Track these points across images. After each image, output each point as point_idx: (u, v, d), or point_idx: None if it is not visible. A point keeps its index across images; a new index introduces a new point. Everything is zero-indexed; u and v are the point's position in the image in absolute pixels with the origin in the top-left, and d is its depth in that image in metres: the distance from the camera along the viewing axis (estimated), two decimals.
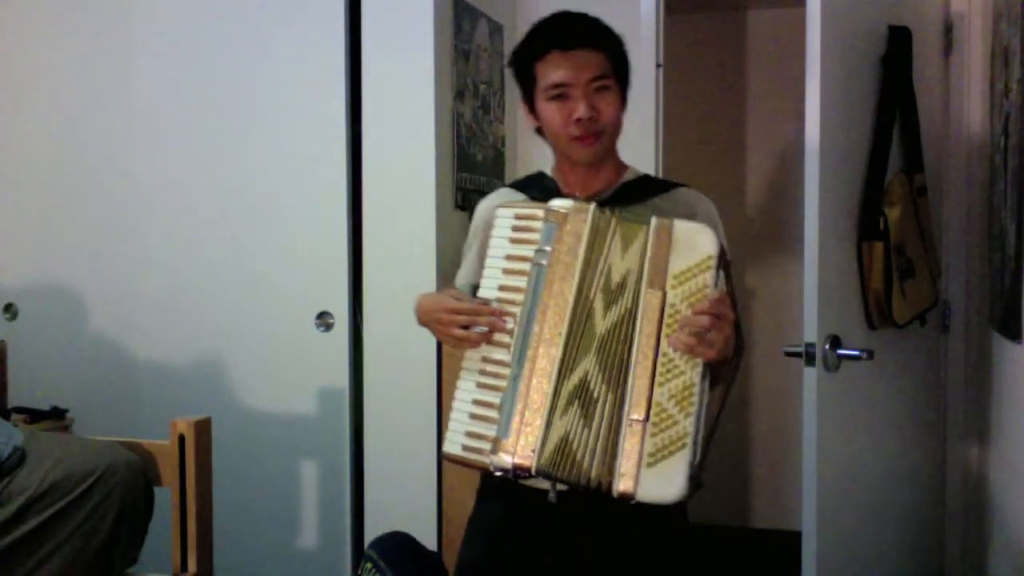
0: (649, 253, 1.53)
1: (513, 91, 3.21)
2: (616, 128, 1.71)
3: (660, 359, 1.50)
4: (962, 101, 2.76)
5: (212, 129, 2.87)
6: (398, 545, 1.75)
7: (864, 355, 2.20)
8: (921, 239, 2.48)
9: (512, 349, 1.56)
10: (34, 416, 2.76)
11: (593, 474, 1.49)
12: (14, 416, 2.73)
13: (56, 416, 2.81)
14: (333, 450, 2.80)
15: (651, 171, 2.88)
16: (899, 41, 2.40)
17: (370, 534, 2.65)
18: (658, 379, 1.50)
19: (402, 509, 2.64)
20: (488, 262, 1.62)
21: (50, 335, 3.03)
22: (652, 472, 1.49)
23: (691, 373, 1.50)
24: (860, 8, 2.34)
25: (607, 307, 1.54)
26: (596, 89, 1.65)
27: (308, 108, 2.78)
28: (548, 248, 1.57)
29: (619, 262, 1.54)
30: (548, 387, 1.53)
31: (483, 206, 1.85)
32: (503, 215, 1.63)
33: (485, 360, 1.58)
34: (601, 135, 1.67)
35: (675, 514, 1.73)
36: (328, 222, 2.77)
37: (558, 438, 1.51)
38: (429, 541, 2.00)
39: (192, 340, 2.90)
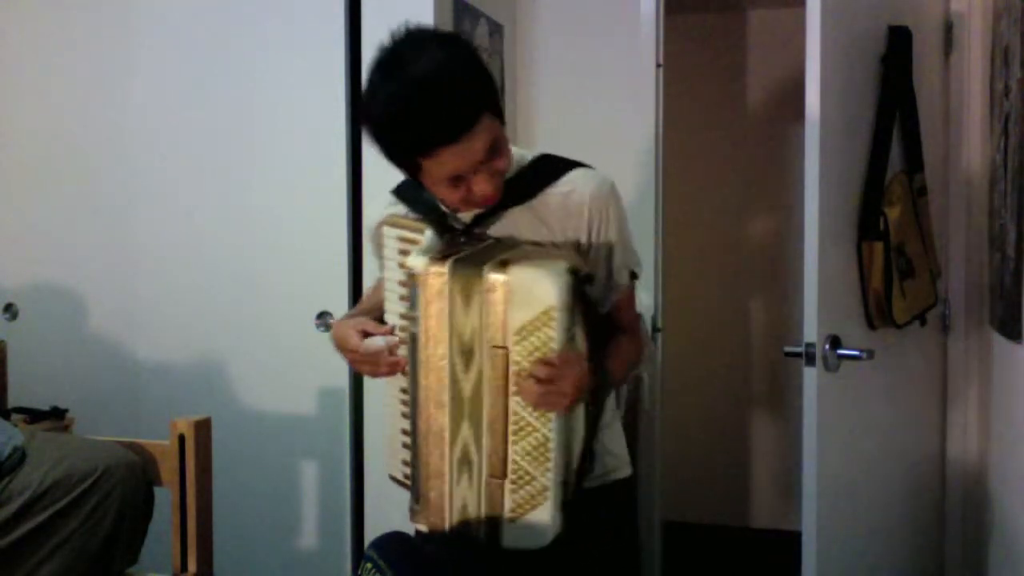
0: (486, 309, 1.44)
1: (513, 91, 3.22)
2: (510, 165, 1.56)
3: (511, 418, 1.46)
4: (962, 101, 2.76)
5: (212, 129, 2.87)
6: (398, 545, 1.75)
7: (864, 355, 2.20)
8: (921, 239, 2.48)
9: (411, 395, 1.54)
10: (34, 416, 2.76)
11: (474, 531, 1.52)
12: (14, 416, 2.72)
13: (56, 416, 2.81)
14: (333, 450, 2.80)
15: (651, 171, 2.89)
16: (899, 41, 2.40)
17: (370, 534, 2.65)
18: (511, 438, 1.47)
19: (402, 509, 2.63)
20: (387, 285, 1.59)
21: (50, 335, 3.03)
22: (514, 526, 1.50)
23: (543, 430, 1.46)
24: (860, 8, 2.34)
25: (466, 369, 1.48)
26: (492, 158, 1.48)
27: (308, 108, 2.78)
28: (416, 314, 1.50)
29: (467, 320, 1.46)
30: (443, 455, 1.52)
31: (373, 217, 1.75)
32: (388, 235, 1.58)
33: (402, 391, 1.58)
34: (500, 187, 1.53)
35: (614, 518, 1.72)
36: (328, 222, 2.77)
37: (460, 505, 1.53)
38: None
39: (192, 340, 2.90)
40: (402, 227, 1.58)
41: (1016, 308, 2.09)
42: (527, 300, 1.42)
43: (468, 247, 1.53)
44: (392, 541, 1.67)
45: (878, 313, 2.36)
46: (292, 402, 2.82)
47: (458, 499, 1.53)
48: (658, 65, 2.93)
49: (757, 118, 4.14)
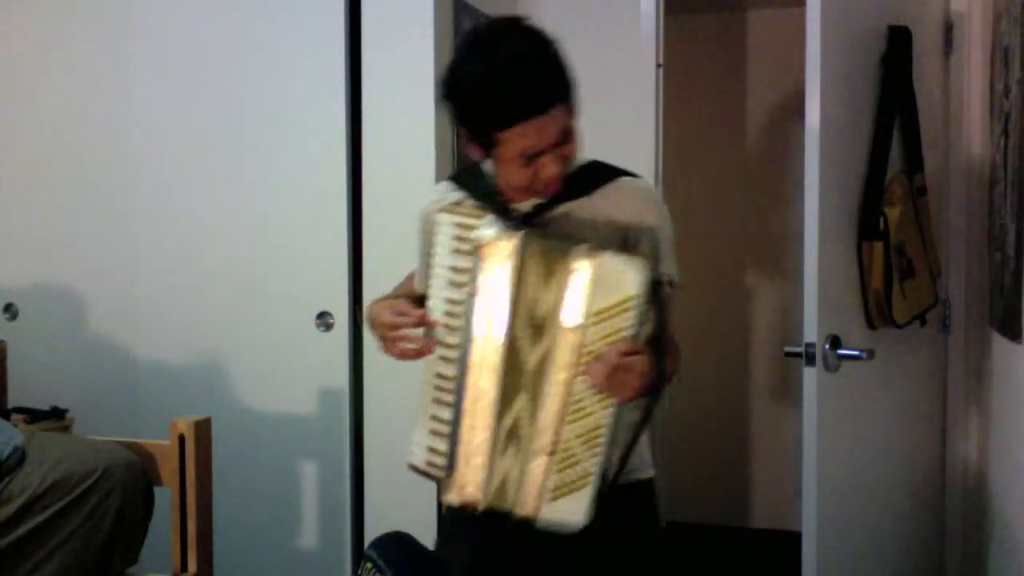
0: (571, 289, 1.49)
1: None
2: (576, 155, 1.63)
3: (571, 398, 1.50)
4: (962, 101, 2.76)
5: (212, 129, 2.87)
6: (398, 545, 1.75)
7: (864, 355, 2.20)
8: (921, 239, 2.48)
9: (455, 374, 1.56)
10: (34, 416, 2.76)
11: (510, 504, 1.54)
12: (14, 416, 2.73)
13: (56, 416, 2.81)
14: (333, 450, 2.80)
15: (651, 171, 2.89)
16: (899, 41, 2.40)
17: (370, 534, 2.65)
18: (568, 418, 1.50)
19: (402, 509, 2.64)
20: (434, 271, 1.60)
21: (50, 335, 3.04)
22: (554, 505, 1.52)
23: (600, 415, 1.50)
24: (860, 8, 2.34)
25: (533, 343, 1.52)
26: (562, 144, 1.55)
27: (308, 108, 2.78)
28: (477, 282, 1.54)
29: (544, 296, 1.50)
30: (487, 426, 1.54)
31: (427, 203, 1.77)
32: (443, 222, 1.59)
33: (438, 376, 1.59)
34: (563, 176, 1.59)
35: (640, 517, 1.73)
36: (328, 222, 2.77)
37: (500, 478, 1.54)
38: (429, 541, 2.01)
39: (192, 340, 2.90)
40: (460, 214, 1.60)
41: (1016, 308, 2.09)
42: (610, 285, 1.47)
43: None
44: (392, 541, 1.68)
45: (878, 313, 2.36)
46: (292, 402, 2.82)
47: (499, 472, 1.55)
48: (658, 65, 2.93)
49: (757, 118, 4.14)
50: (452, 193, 1.72)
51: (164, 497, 2.14)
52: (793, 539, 2.39)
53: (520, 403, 1.53)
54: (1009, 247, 2.17)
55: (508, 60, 1.51)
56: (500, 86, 1.49)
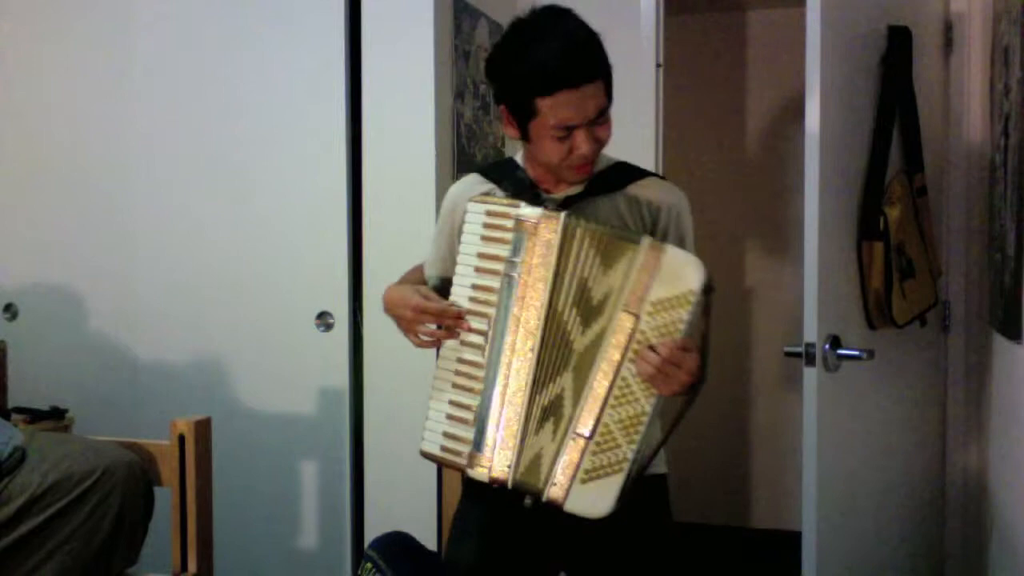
0: (633, 275, 1.50)
1: None
2: (607, 143, 1.66)
3: (618, 382, 1.51)
4: (962, 101, 2.76)
5: (212, 129, 2.87)
6: (398, 545, 1.75)
7: (864, 355, 2.20)
8: (921, 239, 2.48)
9: (486, 357, 1.57)
10: (34, 416, 2.76)
11: (541, 483, 1.54)
12: (14, 416, 2.73)
13: (56, 416, 2.81)
14: (333, 450, 2.80)
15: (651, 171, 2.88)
16: (899, 41, 2.40)
17: (370, 534, 2.65)
18: (611, 402, 1.52)
19: (402, 509, 2.64)
20: (460, 259, 1.61)
21: (50, 335, 3.03)
22: (584, 488, 1.53)
23: (644, 403, 1.51)
24: (860, 8, 2.34)
25: (586, 324, 1.53)
26: (597, 121, 1.59)
27: (308, 108, 2.78)
28: (518, 260, 1.55)
29: (602, 278, 1.52)
30: (522, 403, 1.55)
31: (454, 191, 1.80)
32: (474, 210, 1.61)
33: (460, 361, 1.59)
34: (594, 160, 1.63)
35: (657, 509, 1.73)
36: (328, 222, 2.77)
37: (533, 455, 1.55)
38: (429, 541, 2.00)
39: (192, 340, 2.90)
40: (492, 203, 1.62)
41: (1016, 308, 2.09)
42: (673, 277, 1.49)
43: None
44: (392, 541, 1.68)
45: (878, 313, 2.36)
46: (292, 402, 2.82)
47: (532, 448, 1.55)
48: (658, 65, 2.93)
49: (757, 118, 4.14)
50: (481, 184, 1.74)
51: (164, 497, 2.14)
52: (793, 539, 2.39)
53: (563, 381, 1.54)
54: (1009, 247, 2.17)
55: (558, 29, 1.58)
56: (551, 49, 1.54)
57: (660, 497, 1.76)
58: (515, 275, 1.55)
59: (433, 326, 1.61)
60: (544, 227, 1.55)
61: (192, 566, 2.11)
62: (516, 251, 1.55)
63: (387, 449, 2.71)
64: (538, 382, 1.54)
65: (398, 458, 2.68)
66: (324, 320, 2.78)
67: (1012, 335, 2.16)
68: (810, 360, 2.15)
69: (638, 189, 1.69)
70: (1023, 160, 2.05)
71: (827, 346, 2.17)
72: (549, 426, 1.55)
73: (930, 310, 2.54)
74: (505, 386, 1.56)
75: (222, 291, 2.87)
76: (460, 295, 1.60)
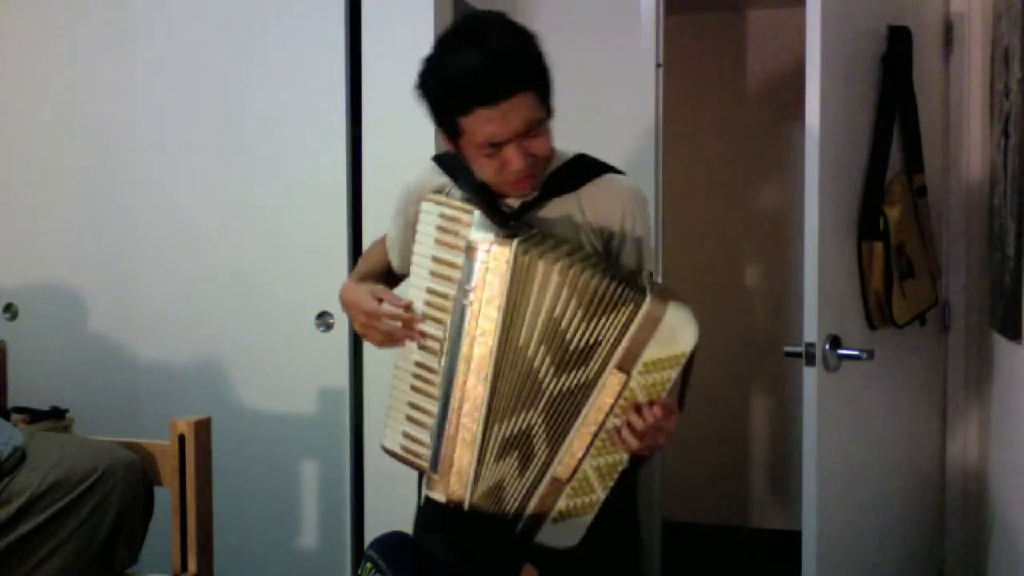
0: (631, 332, 1.46)
1: None
2: (550, 155, 1.59)
3: (601, 434, 1.51)
4: (962, 101, 2.76)
5: (212, 129, 2.87)
6: (398, 545, 1.75)
7: (864, 355, 2.20)
8: (921, 239, 2.48)
9: (440, 367, 1.56)
10: (34, 416, 2.76)
11: (510, 514, 1.57)
12: (14, 416, 2.73)
13: (56, 416, 2.81)
14: (333, 450, 2.80)
15: (651, 171, 2.88)
16: (899, 41, 2.40)
17: (370, 534, 2.65)
18: (592, 452, 1.52)
19: (402, 509, 2.63)
20: (415, 259, 1.60)
21: (50, 335, 3.03)
22: (555, 526, 1.56)
23: (624, 455, 1.53)
24: (860, 8, 2.33)
25: (561, 367, 1.49)
26: (527, 138, 1.51)
27: (308, 108, 2.78)
28: (469, 287, 1.50)
29: (584, 324, 1.46)
30: (478, 427, 1.54)
31: (410, 183, 1.76)
32: (428, 210, 1.58)
33: (417, 364, 1.60)
34: (535, 176, 1.57)
35: (622, 501, 1.74)
36: (328, 222, 2.77)
37: (493, 483, 1.56)
38: None
39: (192, 340, 2.90)
40: (447, 205, 1.58)
41: (1016, 308, 2.09)
42: (670, 338, 1.46)
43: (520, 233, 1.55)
44: (392, 541, 1.67)
45: (878, 313, 2.36)
46: (292, 402, 2.82)
47: (492, 475, 1.56)
48: (658, 65, 2.93)
49: (757, 118, 4.14)
50: (436, 176, 1.71)
51: (164, 497, 2.14)
52: (793, 539, 2.39)
53: (530, 418, 1.52)
54: (1009, 247, 2.17)
55: (475, 41, 1.48)
56: (459, 67, 1.47)
57: (627, 489, 1.75)
58: (467, 303, 1.51)
59: (396, 324, 1.60)
60: (495, 255, 1.48)
61: (192, 566, 2.11)
62: (468, 278, 1.50)
63: None
64: (495, 411, 1.53)
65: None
66: (324, 320, 2.78)
67: (1012, 335, 2.16)
68: (810, 360, 2.14)
69: (595, 190, 1.65)
70: (1023, 160, 2.05)
71: (827, 346, 2.17)
72: (513, 460, 1.54)
73: (930, 310, 2.54)
74: (460, 404, 1.54)
75: (222, 291, 2.87)
76: (416, 296, 1.59)
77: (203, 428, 2.13)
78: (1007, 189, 2.21)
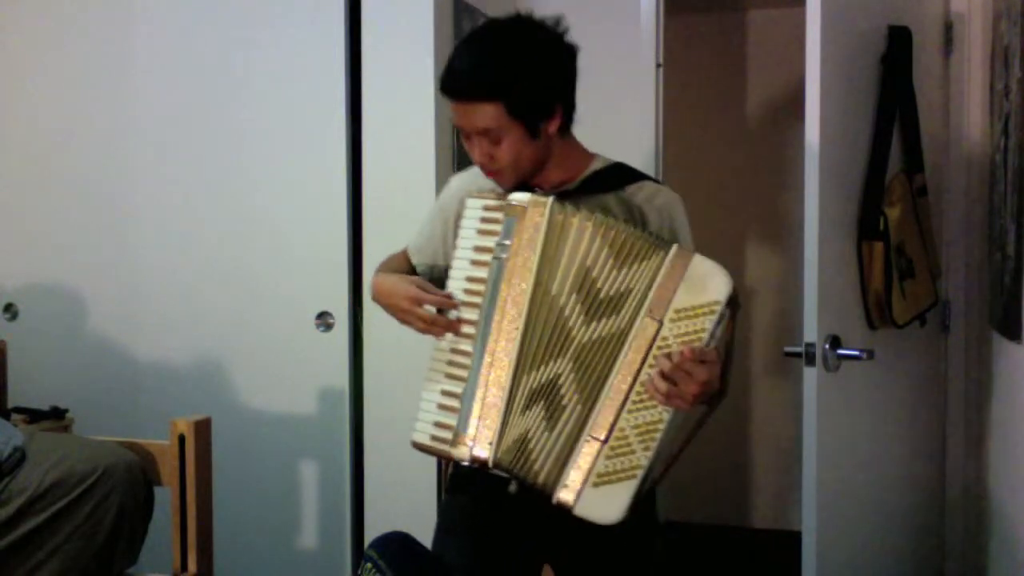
0: (659, 279, 1.49)
1: None
2: (522, 162, 1.66)
3: (636, 387, 1.50)
4: (962, 101, 2.76)
5: (212, 129, 2.87)
6: (398, 545, 1.75)
7: (864, 355, 2.19)
8: (921, 239, 2.48)
9: (475, 344, 1.57)
10: (34, 416, 2.76)
11: (542, 477, 1.53)
12: (14, 416, 2.73)
13: (56, 416, 2.81)
14: (333, 450, 2.80)
15: (651, 171, 2.89)
16: (899, 41, 2.40)
17: (370, 534, 2.65)
18: (628, 406, 1.50)
19: (402, 509, 2.64)
20: (457, 252, 1.63)
21: (50, 335, 3.03)
22: (596, 492, 1.51)
23: (662, 410, 1.50)
24: (860, 8, 2.34)
25: (591, 316, 1.52)
26: (488, 140, 1.62)
27: (308, 108, 2.78)
28: (508, 242, 1.57)
29: (613, 274, 1.51)
30: (505, 381, 1.54)
31: (455, 183, 1.85)
32: (472, 206, 1.64)
33: (454, 351, 1.60)
34: (503, 173, 1.67)
35: (643, 506, 1.74)
36: (328, 222, 2.77)
37: (517, 435, 1.54)
38: (429, 541, 2.01)
39: (192, 340, 2.90)
40: (489, 199, 1.64)
41: (1016, 308, 2.09)
42: (700, 286, 1.48)
43: None
44: (392, 541, 1.67)
45: (878, 313, 2.36)
46: (292, 402, 2.82)
47: (516, 428, 1.54)
48: (658, 65, 2.93)
49: (757, 118, 4.14)
50: (481, 178, 1.76)
51: (164, 497, 2.14)
52: (793, 539, 2.39)
53: (558, 367, 1.53)
54: (1009, 247, 2.17)
55: (465, 44, 1.66)
56: (449, 60, 1.64)
57: (647, 494, 1.76)
58: (504, 256, 1.56)
59: (433, 309, 1.62)
60: (533, 210, 1.56)
61: (192, 566, 2.11)
62: (506, 234, 1.58)
63: (387, 449, 2.70)
64: (523, 362, 1.54)
65: (398, 458, 2.68)
66: (324, 320, 2.78)
67: (1012, 335, 2.16)
68: (810, 360, 2.14)
69: (631, 190, 1.71)
70: (1023, 160, 2.05)
71: (827, 346, 2.17)
72: (539, 410, 1.54)
73: (930, 310, 2.54)
74: (491, 365, 1.56)
75: (222, 291, 2.87)
76: (456, 288, 1.61)
77: (203, 428, 2.13)
78: (1007, 189, 2.21)
